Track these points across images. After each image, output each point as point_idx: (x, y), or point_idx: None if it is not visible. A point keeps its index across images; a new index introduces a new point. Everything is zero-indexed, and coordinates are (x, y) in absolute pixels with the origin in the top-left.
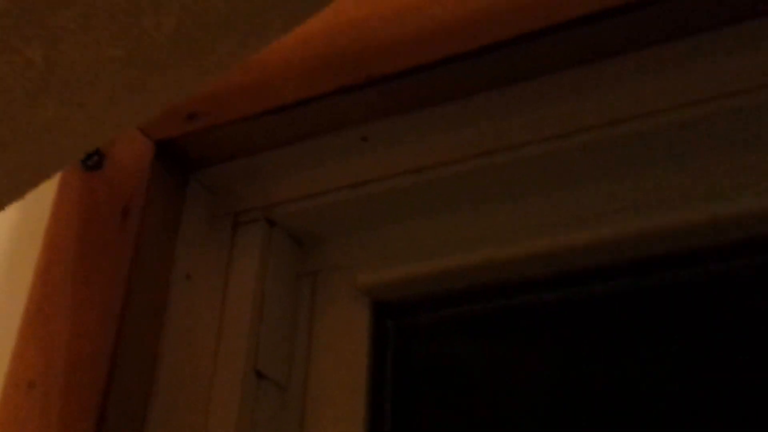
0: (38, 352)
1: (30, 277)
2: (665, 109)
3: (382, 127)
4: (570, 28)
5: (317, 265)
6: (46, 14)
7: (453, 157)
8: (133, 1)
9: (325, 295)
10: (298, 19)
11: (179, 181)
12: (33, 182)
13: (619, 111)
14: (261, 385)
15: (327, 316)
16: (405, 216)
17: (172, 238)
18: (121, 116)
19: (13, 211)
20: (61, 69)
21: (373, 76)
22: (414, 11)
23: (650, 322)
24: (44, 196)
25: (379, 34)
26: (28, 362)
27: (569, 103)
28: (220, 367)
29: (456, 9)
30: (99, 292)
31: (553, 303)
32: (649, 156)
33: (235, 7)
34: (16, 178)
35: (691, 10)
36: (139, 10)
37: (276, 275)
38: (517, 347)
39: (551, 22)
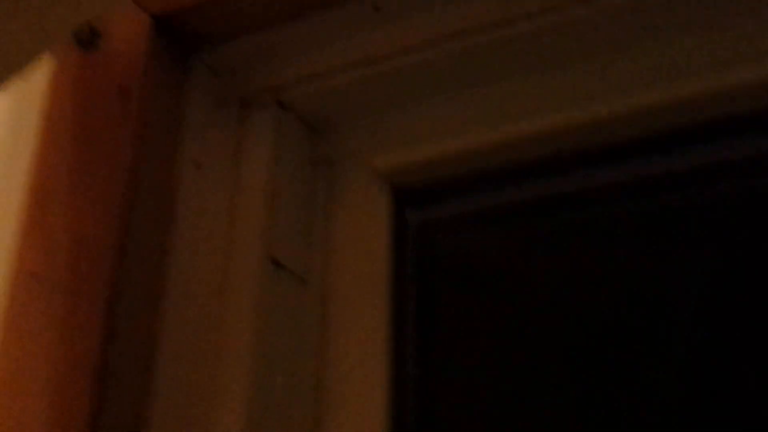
0: (40, 242)
1: (27, 165)
2: None
3: None
4: None
5: (332, 150)
6: None
7: (475, 26)
8: None
9: (342, 182)
10: None
11: (181, 61)
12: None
13: None
14: (278, 274)
15: (345, 204)
16: (422, 95)
17: (177, 122)
18: None
19: (6, 96)
20: None
21: None
22: None
23: (689, 214)
24: (39, 79)
25: None
26: (30, 253)
27: None
28: (234, 256)
29: None
30: (101, 179)
31: (582, 190)
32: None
33: None
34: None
35: None
36: None
37: (289, 162)
38: (548, 238)
39: None
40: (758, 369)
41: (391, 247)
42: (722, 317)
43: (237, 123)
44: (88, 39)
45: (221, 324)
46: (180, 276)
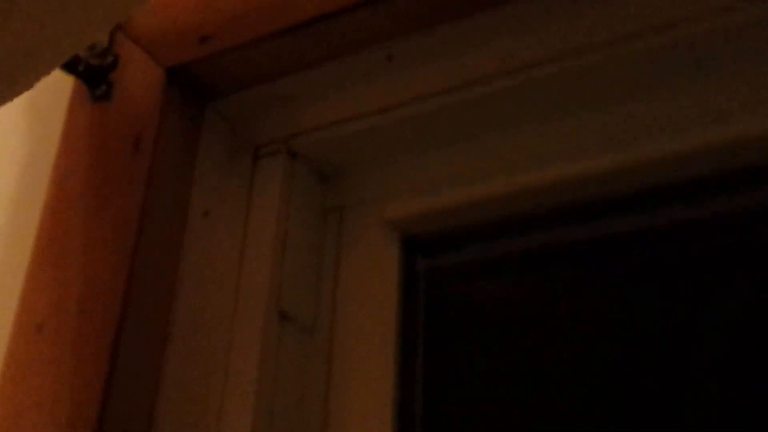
0: (47, 293)
1: (38, 214)
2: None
3: (408, 44)
4: None
5: (343, 199)
6: None
7: (486, 76)
8: None
9: (352, 230)
10: None
11: (194, 111)
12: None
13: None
14: (285, 326)
15: (354, 253)
16: (436, 142)
17: (188, 172)
18: None
19: (20, 144)
20: None
21: None
22: None
23: (693, 259)
24: (52, 129)
25: None
26: (37, 304)
27: (610, 12)
28: (241, 308)
29: None
30: (111, 230)
31: (594, 237)
32: (684, 72)
33: None
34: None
35: None
36: None
37: (299, 210)
38: (557, 285)
39: None
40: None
41: (400, 296)
42: (730, 368)
43: (248, 171)
44: (102, 91)
45: (226, 376)
46: (185, 326)
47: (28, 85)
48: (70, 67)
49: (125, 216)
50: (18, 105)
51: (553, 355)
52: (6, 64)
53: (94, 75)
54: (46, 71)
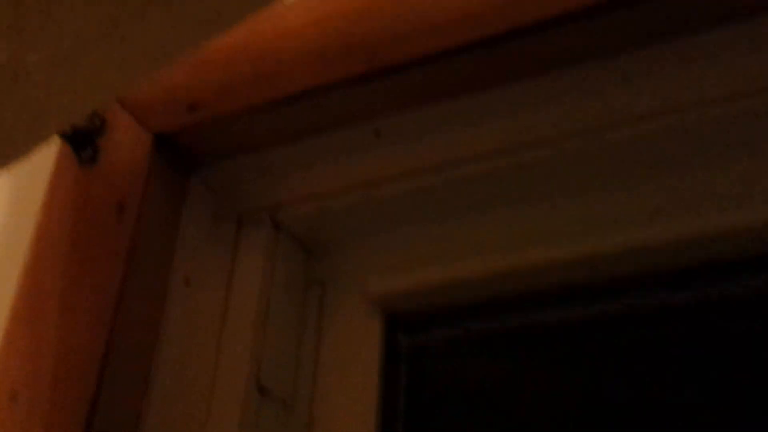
0: (22, 361)
1: (16, 279)
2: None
3: (396, 120)
4: (591, 16)
5: (326, 272)
6: None
7: (472, 155)
8: None
9: (333, 304)
10: None
11: (180, 177)
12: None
13: (655, 105)
14: (264, 401)
15: (336, 328)
16: (419, 220)
17: (171, 238)
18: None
19: (2, 203)
20: None
21: (386, 65)
22: None
23: (675, 340)
24: (35, 191)
25: (394, 20)
26: (11, 372)
27: (598, 98)
28: (219, 382)
29: None
30: (90, 297)
31: (575, 318)
32: (685, 157)
33: None
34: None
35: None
36: None
37: (282, 282)
38: (539, 365)
39: (565, 10)
40: None
41: (381, 373)
42: None
43: (232, 240)
44: (88, 154)
45: None
46: (162, 397)
47: (27, 151)
48: None
49: (105, 283)
50: None
51: None
52: (9, 129)
53: (81, 138)
54: (46, 138)
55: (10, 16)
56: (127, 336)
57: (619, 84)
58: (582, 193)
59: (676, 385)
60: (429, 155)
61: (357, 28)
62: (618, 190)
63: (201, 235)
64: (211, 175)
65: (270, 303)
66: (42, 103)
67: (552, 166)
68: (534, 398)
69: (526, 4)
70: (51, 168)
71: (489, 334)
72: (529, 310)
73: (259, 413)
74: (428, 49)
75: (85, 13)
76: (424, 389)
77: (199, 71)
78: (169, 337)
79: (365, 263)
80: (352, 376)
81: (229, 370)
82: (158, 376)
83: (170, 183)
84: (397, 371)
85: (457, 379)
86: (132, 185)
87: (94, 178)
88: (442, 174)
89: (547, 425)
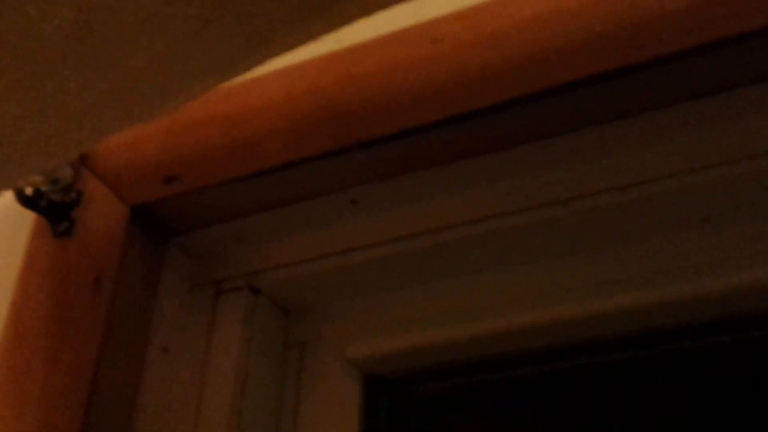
0: None
1: None
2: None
3: (372, 190)
4: (565, 91)
5: (305, 335)
6: None
7: (447, 223)
8: None
9: (313, 368)
10: None
11: (157, 247)
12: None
13: (627, 176)
14: None
15: (315, 391)
16: (397, 285)
17: (149, 308)
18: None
19: None
20: None
21: (363, 138)
22: (408, 70)
23: (657, 393)
24: (10, 265)
25: (371, 94)
26: None
27: (567, 168)
28: None
29: (451, 69)
30: (68, 370)
31: (556, 374)
32: (658, 223)
33: None
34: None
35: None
36: None
37: (261, 347)
38: (521, 422)
39: (547, 84)
40: None
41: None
42: None
43: (210, 307)
44: (64, 227)
45: None
46: None
47: None
48: (32, 202)
49: (82, 359)
50: None
51: None
52: None
53: (57, 211)
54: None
55: None
56: (104, 411)
57: (592, 155)
58: (550, 258)
59: None
60: (405, 223)
61: (332, 102)
62: (591, 256)
63: (179, 304)
64: (189, 243)
65: (249, 368)
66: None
67: (524, 233)
68: None
69: (496, 82)
70: (26, 241)
71: (470, 391)
72: (511, 369)
73: None
74: (402, 123)
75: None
76: None
77: (174, 143)
78: (147, 408)
79: (344, 326)
80: None
81: None
82: None
83: (147, 253)
84: (378, 431)
85: None
86: (108, 258)
87: (70, 250)
88: (417, 241)
89: None
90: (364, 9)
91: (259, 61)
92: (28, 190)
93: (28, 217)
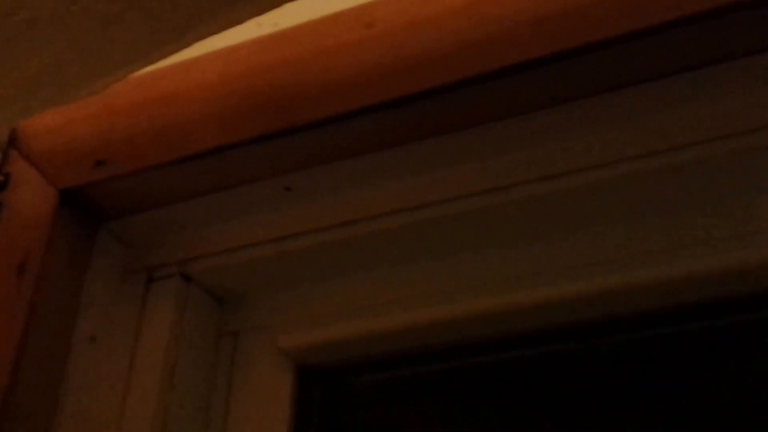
0: None
1: None
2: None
3: (307, 176)
4: (499, 77)
5: (237, 324)
6: None
7: (382, 211)
8: None
9: (245, 357)
10: None
11: (86, 233)
12: None
13: (560, 164)
14: None
15: (247, 381)
16: (332, 273)
17: (76, 295)
18: None
19: None
20: None
21: (298, 123)
22: (342, 55)
23: (599, 383)
24: None
25: (305, 78)
26: None
27: (505, 155)
28: None
29: (384, 55)
30: None
31: (493, 366)
32: (595, 212)
33: None
34: None
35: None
36: None
37: (192, 336)
38: (456, 415)
39: (479, 70)
40: None
41: (292, 424)
42: None
43: (140, 295)
44: None
45: None
46: None
47: None
48: None
49: (4, 343)
50: None
51: None
52: None
53: None
54: None
55: None
56: (26, 399)
57: (530, 142)
58: (485, 248)
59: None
60: (339, 211)
61: (266, 86)
62: (529, 245)
63: (108, 290)
64: (119, 229)
65: (179, 357)
66: None
67: (460, 221)
68: None
69: (429, 67)
70: None
71: (401, 383)
72: (443, 360)
73: None
74: (337, 108)
75: None
76: None
77: (105, 126)
78: (72, 397)
79: (277, 316)
80: (263, 427)
81: (134, 428)
82: None
83: (76, 238)
84: (310, 422)
85: (370, 428)
86: (35, 241)
87: None
88: (352, 229)
89: None
90: None
91: (179, 48)
92: None
93: None
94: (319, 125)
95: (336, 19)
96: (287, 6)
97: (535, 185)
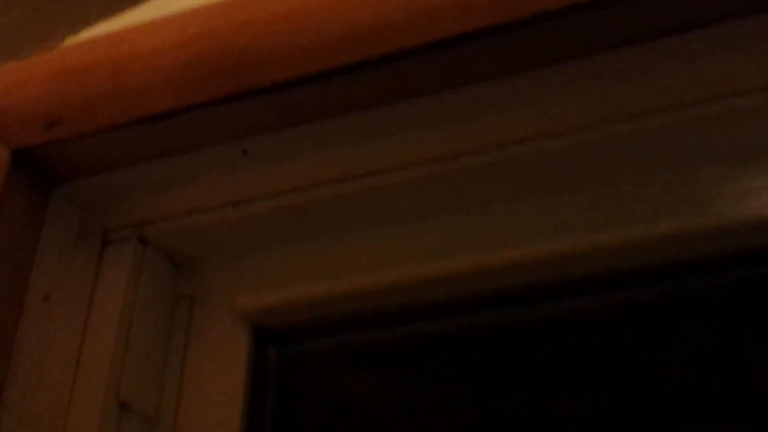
0: None
1: None
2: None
3: (264, 140)
4: (458, 43)
5: (194, 288)
6: None
7: (341, 176)
8: None
9: (202, 320)
10: None
11: (40, 194)
12: None
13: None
14: (124, 416)
15: (203, 342)
16: (290, 237)
17: (30, 256)
18: None
19: None
20: None
21: (255, 86)
22: (302, 17)
23: (555, 351)
24: None
25: (263, 41)
26: None
27: (457, 124)
28: (77, 398)
29: (344, 18)
30: None
31: (452, 331)
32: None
33: None
34: None
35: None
36: None
37: (147, 298)
38: (413, 380)
39: (442, 35)
40: None
41: (248, 387)
42: None
43: (95, 256)
44: None
45: None
46: (17, 416)
47: None
48: None
49: None
50: None
51: None
52: None
53: None
54: None
55: None
56: None
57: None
58: (441, 213)
59: (558, 399)
60: (297, 174)
61: (223, 48)
62: (484, 209)
63: (63, 251)
64: (75, 190)
65: (134, 318)
66: None
67: (420, 185)
68: (404, 412)
69: (391, 31)
70: None
71: (359, 347)
72: (401, 324)
73: (119, 428)
74: (296, 71)
75: None
76: (293, 402)
77: (59, 86)
78: (25, 355)
79: (234, 279)
80: (218, 389)
81: (89, 387)
82: (11, 397)
83: (29, 200)
84: (266, 385)
85: (327, 392)
86: None
87: None
88: (310, 193)
89: None
90: None
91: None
92: None
93: None
94: (276, 89)
95: None
96: None
97: (494, 152)
